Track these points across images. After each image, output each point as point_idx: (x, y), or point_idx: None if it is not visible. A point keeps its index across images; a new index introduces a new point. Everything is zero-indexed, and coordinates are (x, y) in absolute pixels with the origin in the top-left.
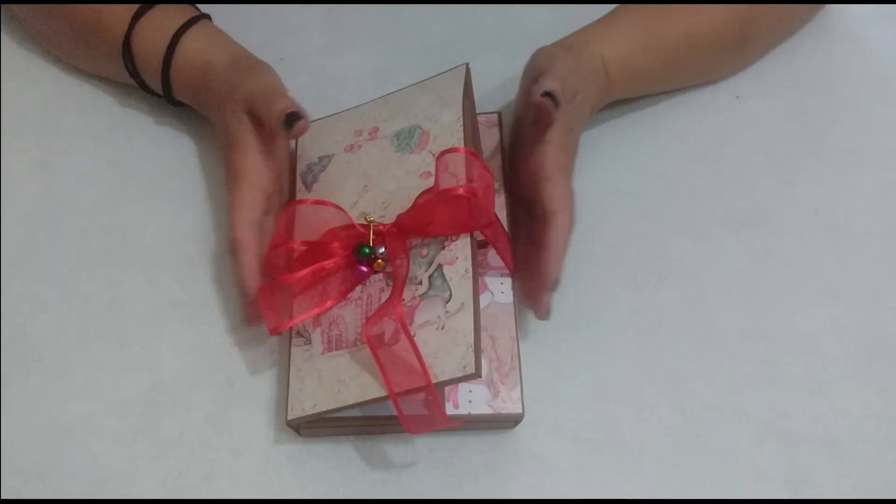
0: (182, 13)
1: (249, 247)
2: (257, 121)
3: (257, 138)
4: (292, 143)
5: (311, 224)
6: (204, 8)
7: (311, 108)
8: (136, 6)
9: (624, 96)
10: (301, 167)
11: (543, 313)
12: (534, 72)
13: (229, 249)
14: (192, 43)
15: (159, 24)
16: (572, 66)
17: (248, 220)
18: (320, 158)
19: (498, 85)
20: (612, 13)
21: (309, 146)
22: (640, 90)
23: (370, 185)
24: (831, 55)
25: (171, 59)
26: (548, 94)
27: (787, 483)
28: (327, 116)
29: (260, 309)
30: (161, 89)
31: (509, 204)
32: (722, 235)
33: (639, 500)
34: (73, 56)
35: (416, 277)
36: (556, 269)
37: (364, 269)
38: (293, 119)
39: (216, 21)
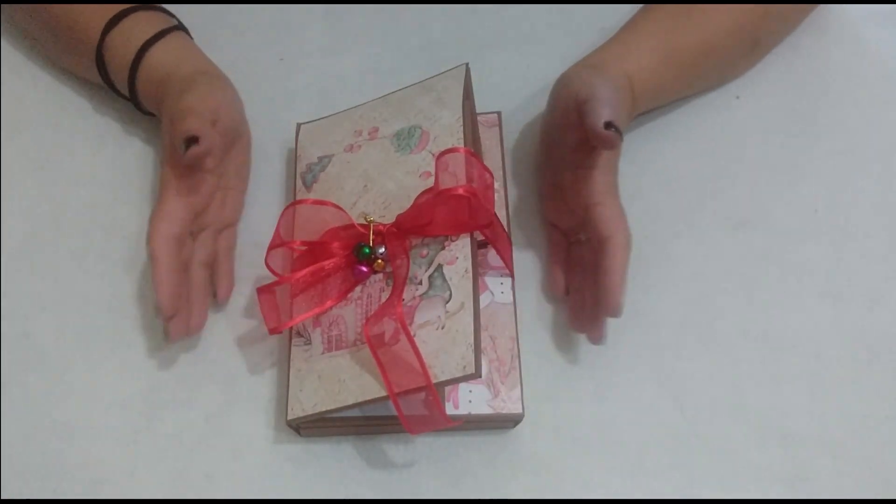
0: (156, 23)
1: (163, 261)
2: None
3: None
4: (291, 144)
5: (311, 224)
6: (204, 8)
7: (311, 108)
8: (111, 13)
9: (647, 109)
10: (301, 167)
11: (598, 339)
12: (568, 96)
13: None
14: (159, 55)
15: (129, 35)
16: (613, 90)
17: (166, 234)
18: (320, 158)
19: (498, 85)
20: (628, 28)
21: (309, 146)
22: (662, 102)
23: (370, 185)
24: (831, 55)
25: (137, 70)
26: (610, 124)
27: (787, 483)
28: (327, 116)
29: (260, 309)
30: (128, 94)
31: (549, 225)
32: (722, 235)
33: (639, 500)
34: (55, 57)
35: (416, 277)
36: (619, 294)
37: (364, 269)
38: (190, 142)
39: (216, 20)
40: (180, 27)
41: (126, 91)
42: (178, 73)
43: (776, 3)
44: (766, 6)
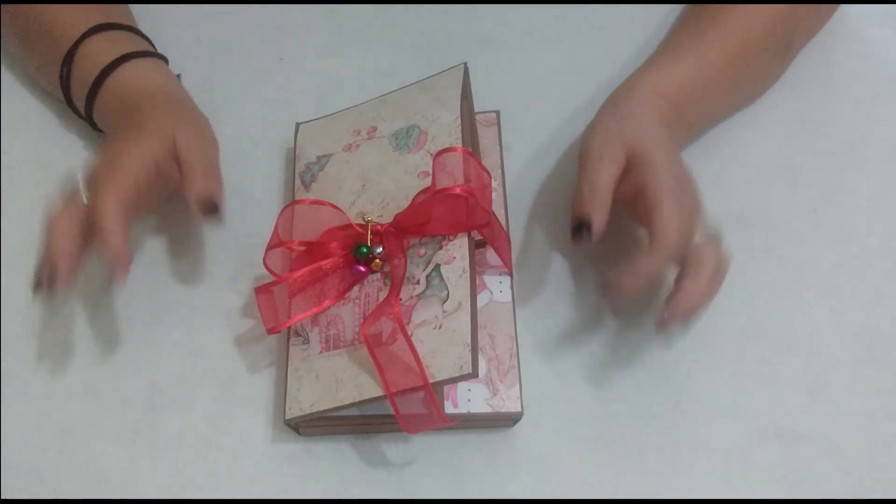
0: (140, 44)
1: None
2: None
3: (161, 159)
4: (290, 144)
5: (310, 224)
6: (204, 7)
7: (311, 108)
8: (95, 22)
9: (701, 125)
10: (299, 167)
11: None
12: (626, 168)
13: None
14: (134, 70)
15: (109, 45)
16: (607, 172)
17: (117, 196)
18: (318, 158)
19: (497, 84)
20: (660, 50)
21: (307, 146)
22: (713, 115)
23: (368, 184)
24: (831, 55)
25: (106, 78)
26: (581, 226)
27: (787, 483)
28: (326, 116)
29: (258, 309)
30: (83, 106)
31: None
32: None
33: (639, 500)
34: (18, 55)
35: (413, 277)
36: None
37: (362, 268)
38: (211, 209)
39: (216, 20)
40: (162, 57)
41: (83, 92)
42: (162, 91)
43: (803, 3)
44: (794, 5)
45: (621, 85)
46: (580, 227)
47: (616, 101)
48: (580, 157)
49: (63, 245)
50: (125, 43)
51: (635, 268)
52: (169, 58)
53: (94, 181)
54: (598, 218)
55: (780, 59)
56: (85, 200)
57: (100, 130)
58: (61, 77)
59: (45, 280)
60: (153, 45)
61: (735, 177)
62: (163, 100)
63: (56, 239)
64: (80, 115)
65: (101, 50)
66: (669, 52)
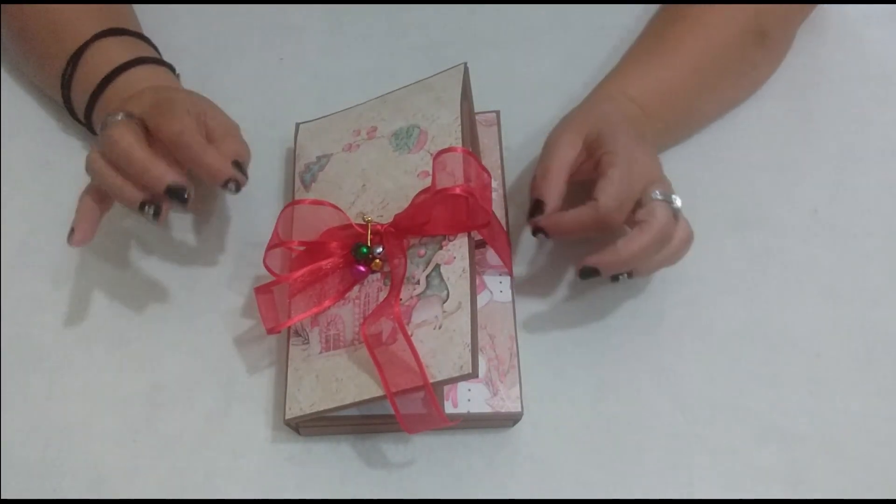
0: (149, 50)
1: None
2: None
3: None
4: (290, 144)
5: (309, 224)
6: (204, 7)
7: (311, 108)
8: (107, 25)
9: (678, 125)
10: (299, 167)
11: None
12: (592, 147)
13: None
14: (146, 73)
15: (120, 48)
16: (560, 165)
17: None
18: (318, 158)
19: (497, 84)
20: (624, 56)
21: (307, 146)
22: (689, 114)
23: (368, 184)
24: (831, 55)
25: (119, 76)
26: (538, 230)
27: (787, 483)
28: (326, 116)
29: (258, 309)
30: (84, 106)
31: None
32: (722, 235)
33: (639, 500)
34: (15, 50)
35: (413, 277)
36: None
37: (362, 268)
38: (239, 169)
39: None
40: (172, 66)
41: (84, 87)
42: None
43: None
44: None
45: (590, 93)
46: (535, 208)
47: (582, 103)
48: (543, 146)
49: (160, 163)
50: (136, 48)
51: (564, 214)
52: (169, 57)
53: (157, 111)
54: (551, 198)
55: (757, 52)
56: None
57: (95, 133)
58: (63, 75)
59: (178, 200)
60: (161, 56)
61: (735, 177)
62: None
63: (149, 160)
64: (74, 116)
65: (112, 52)
66: (635, 54)
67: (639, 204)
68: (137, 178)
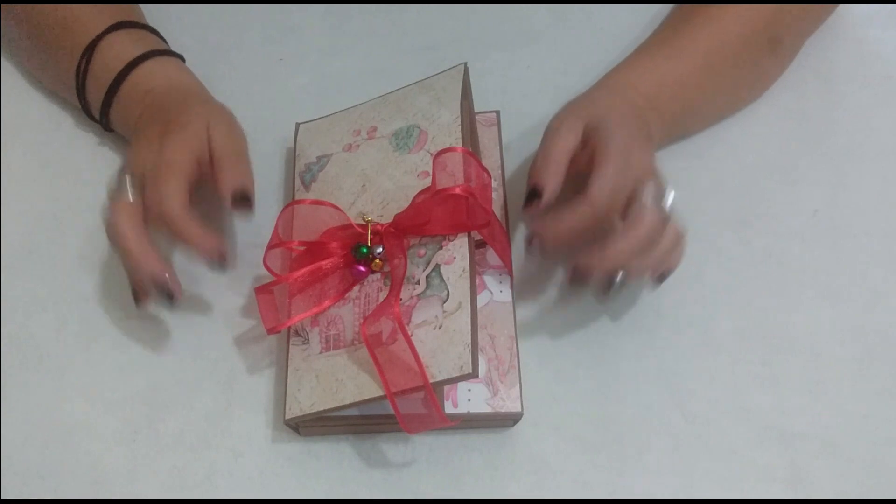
0: (160, 44)
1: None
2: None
3: (200, 154)
4: (290, 144)
5: (309, 224)
6: (205, 7)
7: (311, 108)
8: (118, 19)
9: (685, 124)
10: (299, 167)
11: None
12: (593, 143)
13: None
14: (160, 66)
15: (133, 40)
16: (558, 157)
17: (180, 195)
18: (318, 158)
19: (497, 84)
20: (635, 51)
21: (307, 146)
22: (696, 115)
23: (368, 184)
24: (831, 55)
25: (133, 71)
26: (533, 237)
27: (787, 483)
28: (326, 116)
29: (259, 309)
30: (101, 102)
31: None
32: (722, 235)
33: (639, 500)
34: (22, 49)
35: (413, 277)
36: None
37: (362, 268)
38: (243, 200)
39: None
40: (181, 56)
41: (101, 83)
42: (189, 87)
43: (788, 3)
44: (780, 5)
45: (596, 83)
46: (532, 194)
47: (587, 92)
48: (544, 132)
49: (150, 257)
50: (148, 41)
51: (559, 218)
52: None
53: (152, 180)
54: (550, 184)
55: (768, 58)
56: (130, 198)
57: (110, 130)
58: (78, 71)
59: (163, 297)
60: (169, 46)
61: (735, 177)
62: (190, 96)
63: (139, 253)
64: (89, 114)
65: (124, 45)
66: (646, 49)
67: (630, 199)
68: (131, 274)
